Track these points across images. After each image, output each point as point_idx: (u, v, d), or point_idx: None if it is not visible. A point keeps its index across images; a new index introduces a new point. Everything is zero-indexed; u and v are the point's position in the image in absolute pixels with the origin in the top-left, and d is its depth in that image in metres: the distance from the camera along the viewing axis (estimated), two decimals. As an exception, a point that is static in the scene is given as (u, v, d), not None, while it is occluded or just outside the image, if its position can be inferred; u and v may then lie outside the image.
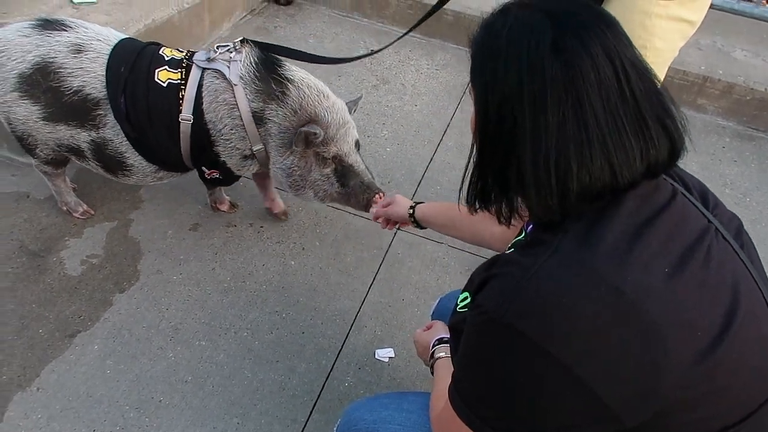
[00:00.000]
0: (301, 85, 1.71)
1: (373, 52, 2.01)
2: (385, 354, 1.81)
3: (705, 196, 0.88)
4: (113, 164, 1.81)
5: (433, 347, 1.23)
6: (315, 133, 1.67)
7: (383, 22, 3.48)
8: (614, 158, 0.74)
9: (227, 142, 1.74)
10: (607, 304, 0.70)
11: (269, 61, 1.72)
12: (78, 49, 1.68)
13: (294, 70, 1.75)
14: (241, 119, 1.69)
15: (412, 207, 1.56)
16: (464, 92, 3.05)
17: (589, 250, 0.73)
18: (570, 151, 0.74)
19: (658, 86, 0.77)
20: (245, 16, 3.36)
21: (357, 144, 1.83)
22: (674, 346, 0.70)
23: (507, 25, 0.78)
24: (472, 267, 2.09)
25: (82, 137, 1.75)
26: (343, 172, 1.79)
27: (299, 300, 1.94)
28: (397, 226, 1.78)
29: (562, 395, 0.72)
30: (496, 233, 1.36)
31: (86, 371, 1.66)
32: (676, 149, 0.77)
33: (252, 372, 1.71)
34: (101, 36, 1.73)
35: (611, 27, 0.76)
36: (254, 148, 1.75)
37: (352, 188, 1.80)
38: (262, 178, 2.03)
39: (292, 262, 2.06)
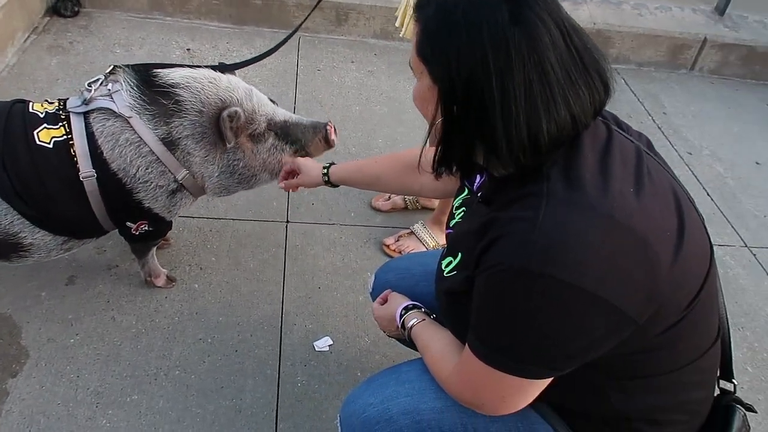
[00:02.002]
0: (188, 82, 1.53)
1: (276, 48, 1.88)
2: (323, 344, 1.83)
3: (618, 122, 1.04)
4: (4, 248, 1.52)
5: (401, 318, 1.28)
6: (236, 113, 1.52)
7: (189, 18, 3.29)
8: (574, 108, 0.84)
9: (147, 185, 1.53)
10: (607, 231, 0.82)
11: (144, 76, 1.53)
12: None
13: (170, 71, 1.56)
14: (153, 153, 1.50)
15: (326, 170, 1.58)
16: (297, 73, 3.05)
17: (578, 191, 0.85)
18: (539, 110, 0.83)
19: (588, 40, 0.89)
20: (29, 36, 2.94)
21: (271, 100, 1.71)
22: (658, 249, 0.85)
23: (460, 3, 0.83)
24: (371, 239, 2.19)
25: None
26: (284, 131, 1.66)
27: (219, 320, 1.85)
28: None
29: (590, 317, 0.83)
30: (426, 183, 1.46)
31: (10, 475, 1.43)
32: (608, 90, 0.91)
33: (201, 407, 1.62)
34: None
35: None
36: (179, 178, 1.56)
37: (302, 139, 1.68)
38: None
39: (196, 285, 1.94)
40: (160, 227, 1.69)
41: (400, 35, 2.01)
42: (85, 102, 1.48)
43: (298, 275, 2.03)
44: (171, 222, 1.74)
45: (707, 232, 0.97)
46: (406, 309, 1.28)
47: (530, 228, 0.83)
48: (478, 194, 1.20)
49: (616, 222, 0.83)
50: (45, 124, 1.47)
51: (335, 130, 1.73)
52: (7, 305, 1.78)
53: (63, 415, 1.55)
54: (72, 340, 1.73)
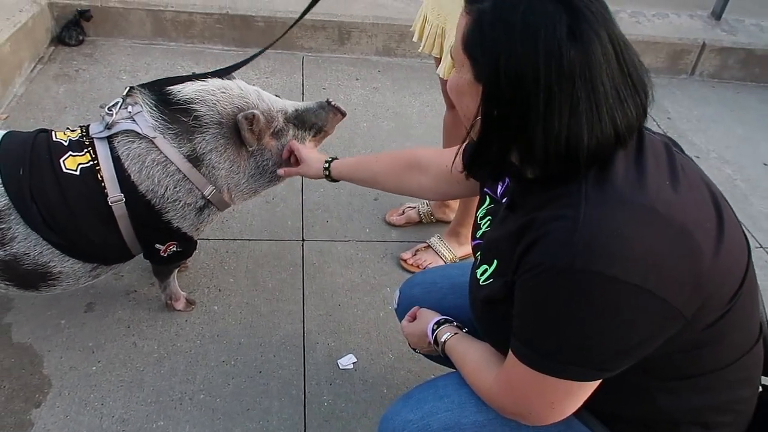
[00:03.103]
0: (203, 96, 1.52)
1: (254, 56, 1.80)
2: (347, 362, 1.81)
3: None
4: (33, 278, 1.51)
5: (432, 333, 1.27)
6: (253, 116, 1.51)
7: (193, 42, 3.31)
8: (619, 127, 0.84)
9: (176, 204, 1.52)
10: (648, 224, 0.82)
11: (160, 95, 1.52)
12: None
13: (183, 87, 1.55)
14: (180, 171, 1.50)
15: (327, 165, 1.58)
16: (302, 92, 3.07)
17: (616, 187, 0.85)
18: (582, 127, 0.82)
19: (636, 56, 0.88)
20: (35, 66, 2.95)
21: (276, 95, 1.72)
22: (700, 239, 0.84)
23: (519, 6, 0.82)
24: (387, 254, 2.18)
25: None
26: (300, 120, 1.66)
27: (240, 342, 1.83)
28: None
29: (638, 312, 0.82)
30: (425, 184, 1.46)
31: (38, 508, 1.41)
32: (648, 102, 0.91)
33: (228, 430, 1.60)
34: None
35: (606, 8, 0.85)
36: (206, 194, 1.56)
37: (317, 121, 1.68)
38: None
39: (215, 307, 1.93)
40: (188, 247, 1.69)
41: (419, 51, 1.97)
42: (108, 126, 1.47)
43: (317, 293, 2.02)
44: (196, 242, 1.74)
45: (742, 227, 0.97)
46: (438, 324, 1.27)
47: (572, 226, 0.83)
48: (503, 201, 1.20)
49: (656, 214, 0.83)
50: (70, 152, 1.47)
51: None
52: (27, 334, 1.77)
53: (89, 444, 1.53)
54: (94, 368, 1.71)
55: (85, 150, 1.47)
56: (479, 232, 1.24)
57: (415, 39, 1.97)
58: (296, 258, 2.14)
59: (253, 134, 1.54)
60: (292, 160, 1.66)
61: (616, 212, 0.83)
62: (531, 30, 0.81)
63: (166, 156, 1.48)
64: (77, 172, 1.45)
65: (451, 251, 2.14)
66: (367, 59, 3.43)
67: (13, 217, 1.42)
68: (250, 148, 1.57)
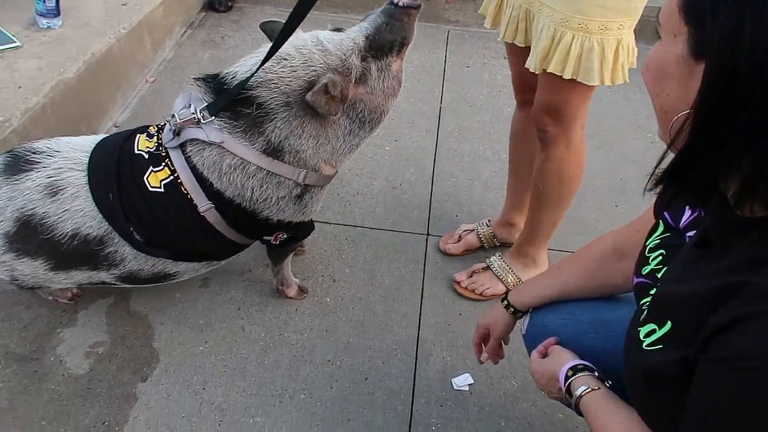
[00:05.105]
0: (260, 77, 1.30)
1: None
2: (463, 382, 1.60)
3: None
4: (155, 280, 1.55)
5: (566, 381, 1.02)
6: (326, 86, 1.28)
7: (336, 11, 3.21)
8: None
9: (267, 202, 1.41)
10: None
11: (216, 87, 1.36)
12: (53, 191, 1.39)
13: (235, 71, 1.36)
14: (261, 169, 1.36)
15: (505, 302, 1.29)
16: (444, 70, 2.84)
17: None
18: None
19: None
20: (186, 31, 3.01)
21: (336, 29, 1.43)
22: None
23: None
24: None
25: (103, 276, 1.50)
26: (375, 47, 1.35)
27: (349, 341, 1.69)
28: None
29: None
30: (628, 270, 1.07)
31: (131, 489, 1.37)
32: None
33: (325, 440, 1.47)
34: (70, 161, 1.42)
35: None
36: (299, 181, 1.41)
37: (392, 37, 1.35)
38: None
39: (327, 299, 1.80)
40: (299, 231, 1.57)
41: (498, 39, 1.58)
42: (176, 133, 1.36)
43: (437, 297, 1.82)
44: (310, 223, 1.62)
45: None
46: (574, 370, 1.02)
47: None
48: (686, 233, 0.91)
49: None
50: (151, 167, 1.39)
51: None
52: (144, 303, 1.76)
53: (186, 430, 1.47)
54: (201, 348, 1.66)
55: (163, 164, 1.38)
56: (646, 269, 0.96)
57: (487, 25, 1.60)
58: (418, 254, 1.95)
59: (334, 101, 1.30)
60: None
61: None
62: None
63: (241, 158, 1.34)
64: (162, 189, 1.38)
65: (514, 274, 1.80)
66: (518, 36, 3.11)
67: (116, 240, 1.42)
68: (334, 117, 1.35)
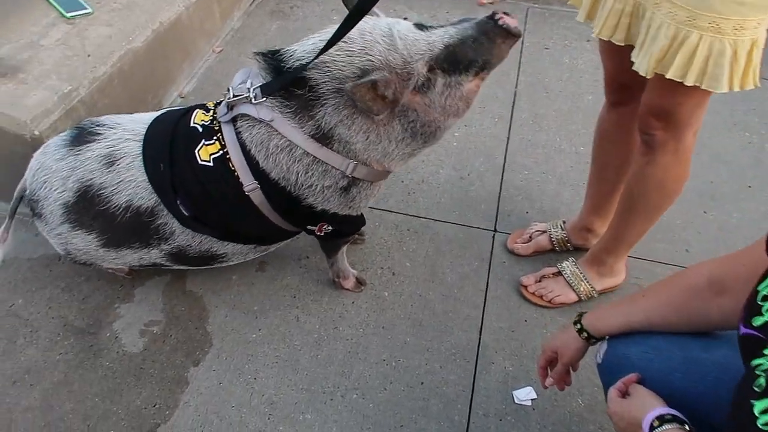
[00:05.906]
0: (319, 61, 1.21)
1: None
2: (525, 396, 1.49)
3: None
4: (204, 260, 1.54)
5: (651, 430, 0.90)
6: (387, 82, 1.18)
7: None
8: None
9: (312, 189, 1.34)
10: None
11: (274, 64, 1.28)
12: (110, 161, 1.39)
13: (296, 49, 1.28)
14: (308, 154, 1.29)
15: (578, 326, 1.18)
16: (521, 51, 2.66)
17: None
18: None
19: None
20: (254, 0, 2.94)
21: (418, 25, 1.26)
22: None
23: None
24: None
25: (153, 255, 1.48)
26: (451, 61, 1.22)
27: (406, 341, 1.61)
28: None
29: None
30: (729, 307, 0.95)
31: (178, 476, 1.36)
32: None
33: (376, 446, 1.41)
34: (129, 132, 1.42)
35: None
36: (347, 172, 1.33)
37: (477, 56, 1.22)
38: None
39: (386, 293, 1.72)
40: (347, 226, 1.49)
41: (593, 35, 1.32)
42: (229, 107, 1.31)
43: (501, 300, 1.71)
44: (361, 216, 1.53)
45: None
46: (661, 420, 0.90)
47: None
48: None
49: None
50: (203, 140, 1.35)
51: (506, 13, 1.24)
52: (200, 284, 1.73)
53: (235, 420, 1.44)
54: (254, 335, 1.62)
55: (215, 138, 1.34)
56: (759, 320, 0.80)
57: (580, 18, 1.36)
58: (484, 251, 1.84)
59: (382, 101, 1.20)
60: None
61: None
62: None
63: (289, 140, 1.27)
64: (211, 163, 1.33)
65: (588, 283, 1.65)
66: (604, 16, 2.87)
67: (165, 212, 1.39)
68: (378, 117, 1.25)
